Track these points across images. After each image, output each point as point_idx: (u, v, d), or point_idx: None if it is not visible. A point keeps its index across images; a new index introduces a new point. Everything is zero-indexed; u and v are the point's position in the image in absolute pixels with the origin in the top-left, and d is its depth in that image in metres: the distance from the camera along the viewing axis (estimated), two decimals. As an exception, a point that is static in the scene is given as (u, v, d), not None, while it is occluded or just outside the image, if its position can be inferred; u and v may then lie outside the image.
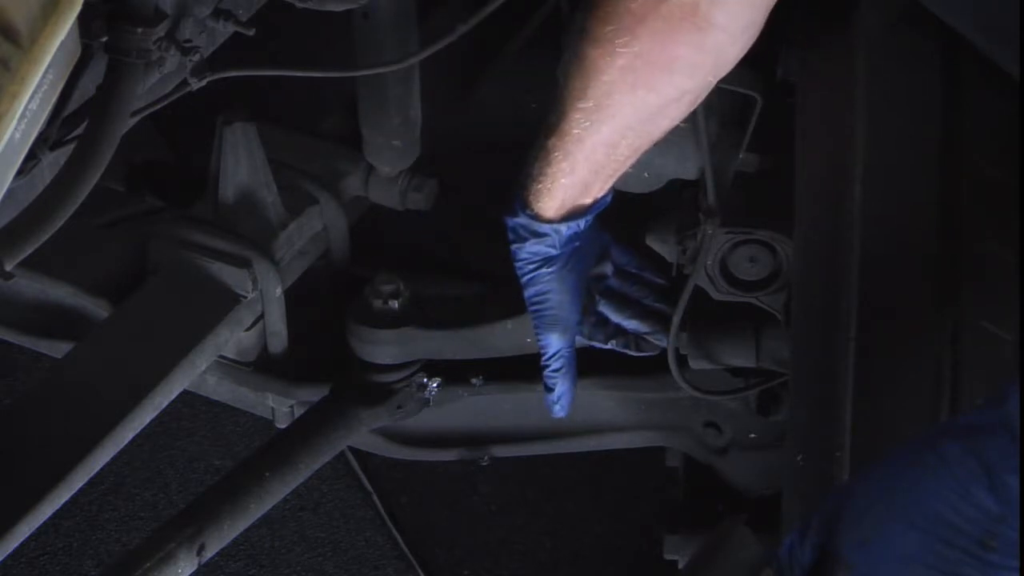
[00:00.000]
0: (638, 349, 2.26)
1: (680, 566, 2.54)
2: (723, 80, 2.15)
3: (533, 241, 2.03)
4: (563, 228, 2.01)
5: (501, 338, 2.45)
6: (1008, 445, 1.44)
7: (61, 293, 2.46)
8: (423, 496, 3.18)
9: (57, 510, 2.09)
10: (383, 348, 2.45)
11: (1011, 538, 1.44)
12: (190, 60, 1.83)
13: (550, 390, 2.17)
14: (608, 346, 2.24)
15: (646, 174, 2.24)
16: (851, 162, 1.92)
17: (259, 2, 2.05)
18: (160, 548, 2.26)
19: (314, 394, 2.53)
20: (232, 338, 2.37)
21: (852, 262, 1.91)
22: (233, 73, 1.93)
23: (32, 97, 1.51)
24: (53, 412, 2.19)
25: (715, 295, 2.24)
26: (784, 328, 2.21)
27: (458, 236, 3.01)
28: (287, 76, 2.01)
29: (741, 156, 2.17)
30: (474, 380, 2.51)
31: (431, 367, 2.50)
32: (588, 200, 2.00)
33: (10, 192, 1.60)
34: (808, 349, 2.00)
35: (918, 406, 1.85)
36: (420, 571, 3.09)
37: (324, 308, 2.58)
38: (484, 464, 2.62)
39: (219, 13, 1.88)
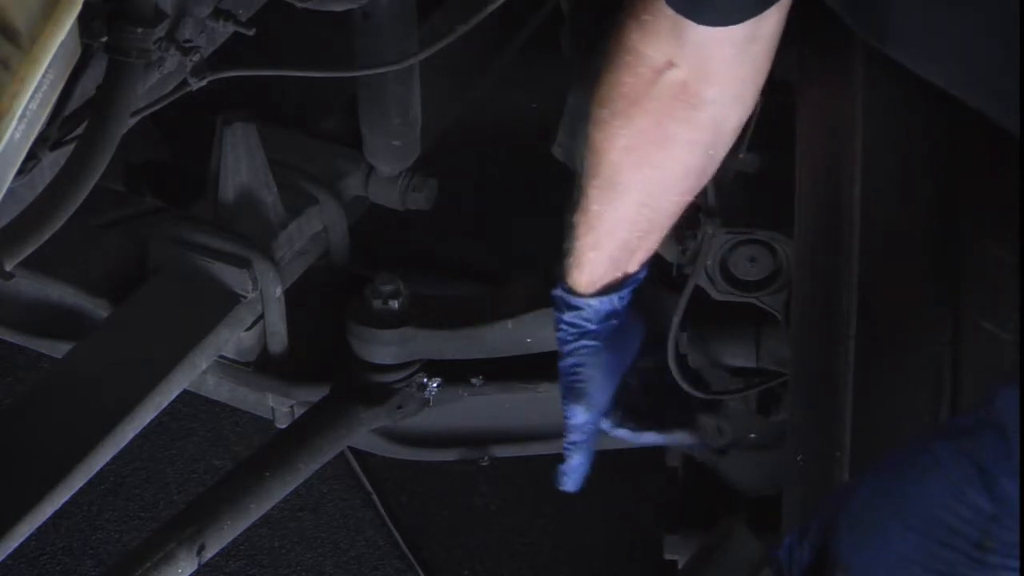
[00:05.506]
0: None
1: (680, 566, 2.54)
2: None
3: (570, 313, 2.06)
4: (596, 303, 2.04)
5: (501, 338, 2.45)
6: (999, 444, 1.44)
7: (61, 293, 2.46)
8: (423, 496, 3.18)
9: (57, 510, 2.09)
10: (383, 348, 2.45)
11: (1006, 538, 1.44)
12: (190, 60, 1.84)
13: (566, 459, 2.16)
14: (634, 436, 2.25)
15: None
16: (850, 162, 1.92)
17: (259, 2, 2.05)
18: (160, 548, 2.26)
19: (314, 394, 2.53)
20: (232, 338, 2.37)
21: (852, 262, 1.91)
22: (233, 73, 1.94)
23: (32, 97, 1.51)
24: (53, 412, 2.19)
25: (715, 295, 2.24)
26: (784, 328, 2.21)
27: (458, 236, 3.01)
28: (287, 76, 2.01)
29: (741, 156, 2.17)
30: (474, 380, 2.51)
31: (431, 367, 2.50)
32: (619, 275, 2.04)
33: (10, 192, 1.60)
34: (808, 349, 2.00)
35: (918, 406, 1.85)
36: (420, 571, 3.09)
37: (324, 308, 2.58)
38: (484, 464, 2.62)
39: (219, 13, 1.88)
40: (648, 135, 1.89)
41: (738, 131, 1.94)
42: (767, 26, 1.80)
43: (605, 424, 2.19)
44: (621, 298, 2.05)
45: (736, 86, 1.87)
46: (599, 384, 2.11)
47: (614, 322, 2.07)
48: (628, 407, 2.21)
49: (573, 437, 2.13)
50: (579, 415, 2.12)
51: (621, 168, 1.93)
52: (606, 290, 2.04)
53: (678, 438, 2.27)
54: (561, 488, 2.19)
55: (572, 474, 2.16)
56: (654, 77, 1.85)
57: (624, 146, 1.91)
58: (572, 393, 2.11)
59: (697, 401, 2.29)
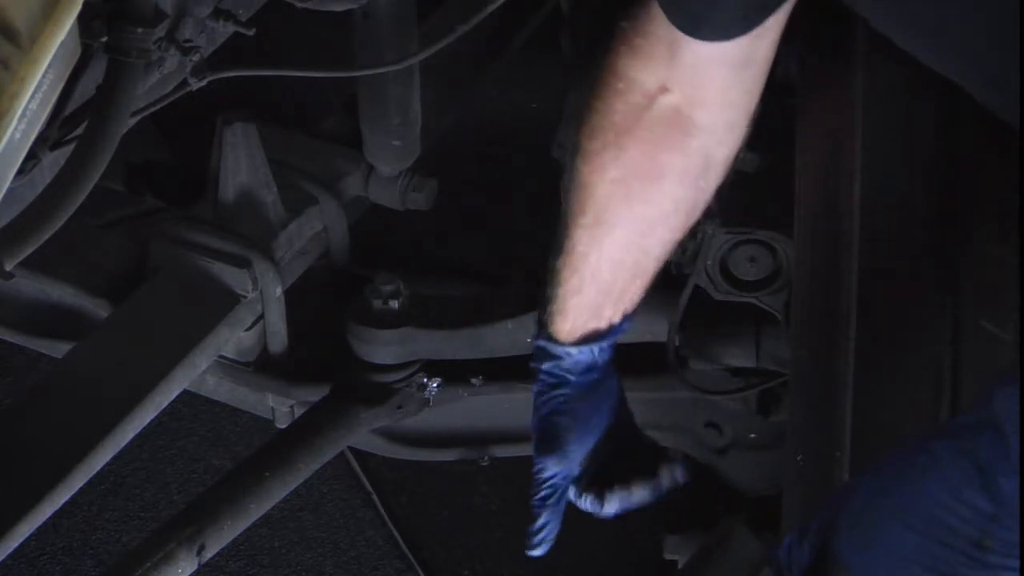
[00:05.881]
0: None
1: (680, 566, 2.54)
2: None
3: (549, 363, 1.97)
4: (576, 352, 1.95)
5: (501, 338, 2.45)
6: (998, 444, 1.44)
7: (61, 293, 2.46)
8: (423, 496, 3.18)
9: (57, 510, 2.09)
10: (383, 348, 2.45)
11: (1006, 537, 1.44)
12: (190, 60, 1.84)
13: (533, 519, 2.01)
14: (600, 505, 2.06)
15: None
16: (850, 162, 1.92)
17: (259, 2, 2.05)
18: (160, 548, 2.26)
19: (314, 394, 2.53)
20: (232, 338, 2.37)
21: (852, 262, 1.91)
22: (233, 73, 1.94)
23: (32, 97, 1.51)
24: (53, 412, 2.19)
25: (715, 295, 2.24)
26: (784, 328, 2.21)
27: (458, 236, 3.01)
28: (287, 76, 2.02)
29: (741, 156, 2.17)
30: (474, 380, 2.51)
31: (431, 367, 2.50)
32: (602, 325, 1.95)
33: (10, 192, 1.60)
34: (808, 349, 2.00)
35: (918, 406, 1.86)
36: (420, 571, 3.09)
37: (324, 308, 2.59)
38: (484, 464, 2.62)
39: (219, 13, 1.88)
40: (639, 166, 1.84)
41: (728, 163, 1.88)
42: (762, 49, 1.77)
43: (572, 491, 2.04)
44: (602, 350, 1.96)
45: (729, 112, 1.83)
46: (576, 436, 2.00)
47: (594, 375, 1.98)
48: (594, 473, 2.04)
49: (543, 493, 2.00)
50: (551, 468, 2.00)
51: (610, 203, 1.87)
52: (586, 339, 1.95)
53: (641, 496, 2.06)
54: (531, 552, 2.02)
55: (544, 532, 2.01)
56: (647, 103, 1.80)
57: (614, 179, 1.85)
58: (547, 444, 2.00)
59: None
